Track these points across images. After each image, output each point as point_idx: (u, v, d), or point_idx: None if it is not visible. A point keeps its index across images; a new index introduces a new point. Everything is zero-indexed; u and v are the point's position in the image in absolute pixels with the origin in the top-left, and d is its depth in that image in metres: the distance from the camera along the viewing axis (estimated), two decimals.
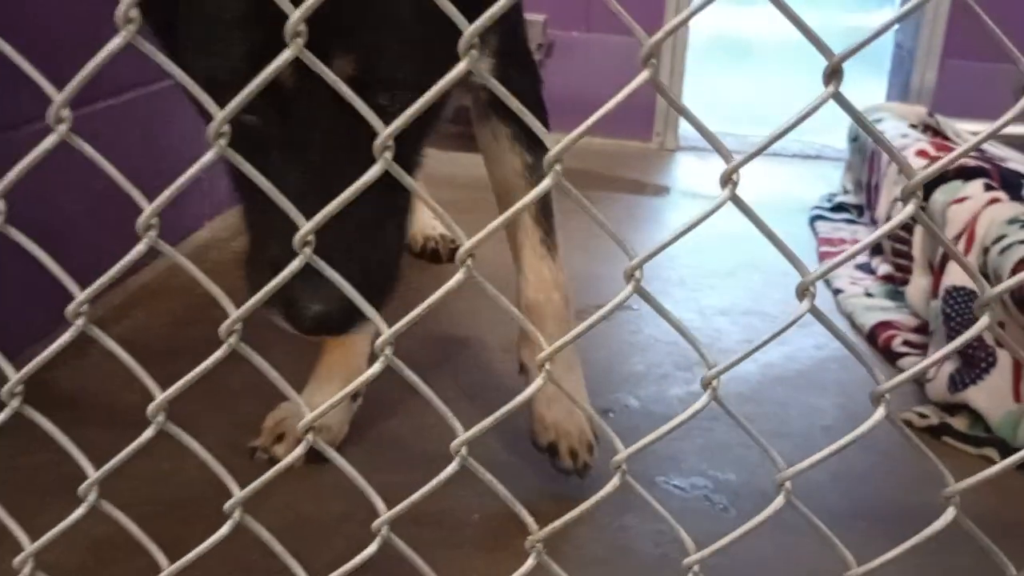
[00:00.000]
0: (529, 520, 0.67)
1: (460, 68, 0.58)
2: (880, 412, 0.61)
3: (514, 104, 0.60)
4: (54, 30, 1.82)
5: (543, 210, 1.58)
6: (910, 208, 0.58)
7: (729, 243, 2.72)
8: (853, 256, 0.58)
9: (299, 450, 0.68)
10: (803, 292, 0.60)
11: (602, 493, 0.65)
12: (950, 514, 0.62)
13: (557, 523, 0.67)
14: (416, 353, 1.78)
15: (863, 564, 0.69)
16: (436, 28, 1.01)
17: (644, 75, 0.57)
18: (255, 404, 1.63)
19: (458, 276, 0.62)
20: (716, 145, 0.58)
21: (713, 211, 0.59)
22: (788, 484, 0.64)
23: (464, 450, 0.65)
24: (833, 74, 0.56)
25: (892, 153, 0.59)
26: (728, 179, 0.59)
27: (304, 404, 0.71)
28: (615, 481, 0.64)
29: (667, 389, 1.89)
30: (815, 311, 0.60)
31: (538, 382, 0.63)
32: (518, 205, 0.62)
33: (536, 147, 1.57)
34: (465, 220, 1.88)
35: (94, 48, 0.61)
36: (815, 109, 0.57)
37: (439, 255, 2.47)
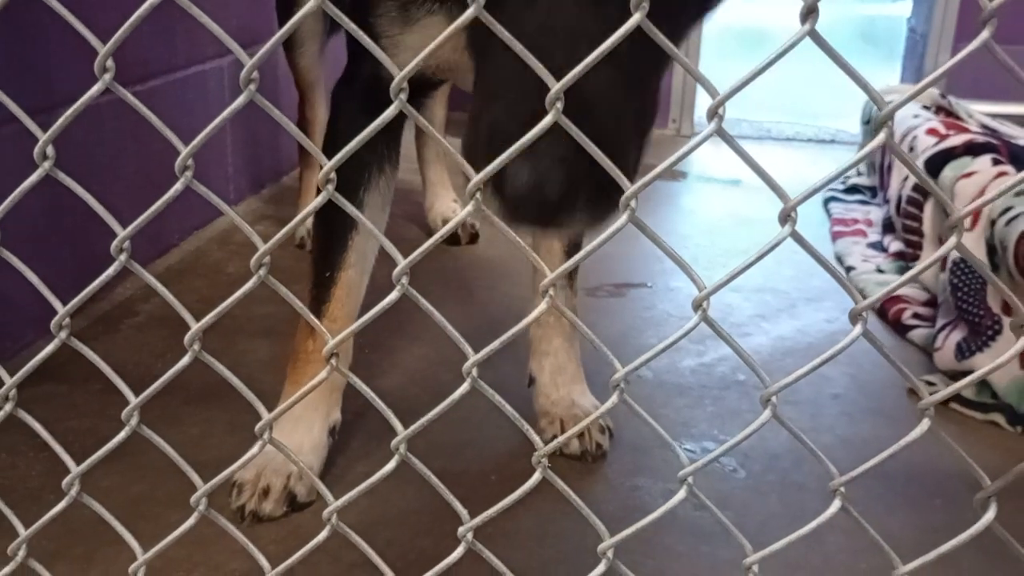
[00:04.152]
0: (535, 438, 0.72)
1: None
2: (857, 329, 0.66)
3: None
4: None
5: (575, 240, 1.59)
6: (882, 136, 0.63)
7: (742, 224, 2.78)
8: (834, 180, 0.63)
9: (323, 374, 0.73)
10: (785, 218, 0.65)
11: (602, 410, 0.70)
12: (925, 424, 0.67)
13: (561, 438, 0.73)
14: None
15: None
16: None
17: (637, 17, 0.62)
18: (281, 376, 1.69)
19: (468, 208, 0.67)
20: (700, 80, 0.63)
21: (701, 142, 0.64)
22: (774, 399, 0.69)
23: (475, 371, 0.70)
24: (809, 13, 0.61)
25: (865, 86, 0.64)
26: (714, 113, 0.64)
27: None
28: (613, 399, 0.69)
29: (679, 361, 1.94)
30: (796, 235, 0.65)
31: (542, 306, 0.68)
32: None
33: None
34: None
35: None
36: (792, 46, 0.62)
37: (457, 237, 2.53)
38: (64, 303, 0.81)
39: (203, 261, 2.33)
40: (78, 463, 0.87)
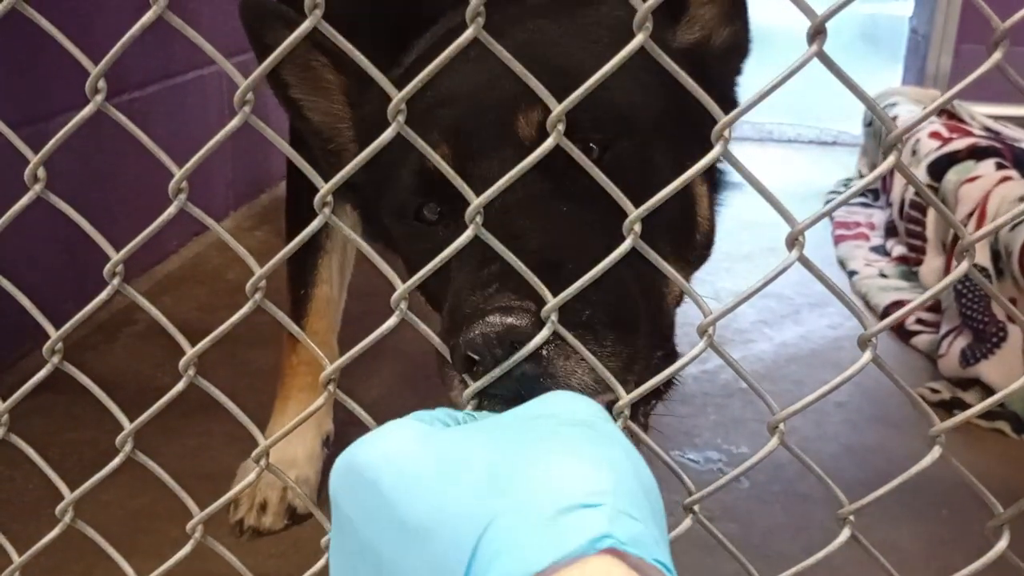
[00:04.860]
0: None
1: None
2: (867, 355, 0.64)
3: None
4: (91, 20, 1.88)
5: None
6: (891, 159, 0.61)
7: (746, 228, 2.74)
8: (841, 204, 0.62)
9: (320, 400, 0.72)
10: (792, 242, 0.63)
11: None
12: (936, 452, 0.66)
13: None
14: None
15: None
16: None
17: (640, 38, 0.61)
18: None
19: (468, 232, 0.66)
20: (705, 102, 0.62)
21: (706, 165, 0.63)
22: (782, 426, 0.67)
23: (475, 403, 0.69)
24: (816, 34, 0.60)
25: (874, 108, 0.62)
26: (719, 136, 0.62)
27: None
28: (618, 425, 0.68)
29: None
30: (803, 259, 0.63)
31: (544, 332, 0.67)
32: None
33: None
34: None
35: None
36: (800, 67, 0.60)
37: None
38: (63, 314, 0.79)
39: (203, 268, 2.31)
40: (77, 476, 0.86)
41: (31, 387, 0.80)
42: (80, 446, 1.56)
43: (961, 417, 0.67)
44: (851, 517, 0.68)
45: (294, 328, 0.72)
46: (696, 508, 0.70)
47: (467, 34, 0.62)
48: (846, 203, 2.87)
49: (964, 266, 0.62)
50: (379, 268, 0.69)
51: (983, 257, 1.87)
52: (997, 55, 0.59)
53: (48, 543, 0.87)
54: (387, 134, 0.65)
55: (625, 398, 0.67)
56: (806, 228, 0.63)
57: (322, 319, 1.45)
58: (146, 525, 1.37)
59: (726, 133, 0.62)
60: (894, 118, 2.77)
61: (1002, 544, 0.67)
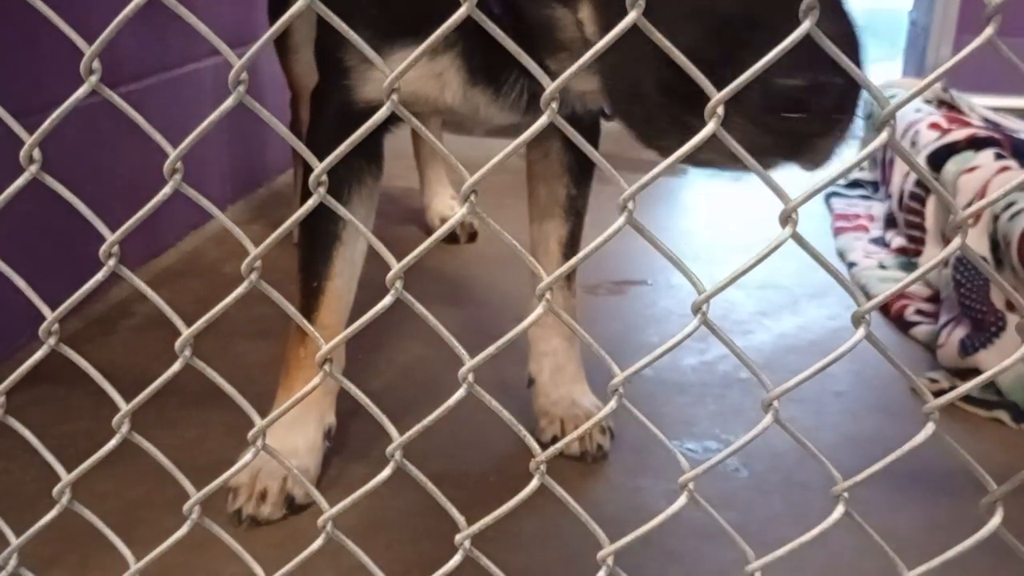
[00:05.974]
0: (533, 444, 0.71)
1: None
2: (860, 332, 0.64)
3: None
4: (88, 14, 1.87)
5: (571, 242, 1.62)
6: (884, 135, 0.61)
7: (744, 219, 2.76)
8: (838, 179, 0.62)
9: (316, 380, 0.72)
10: (785, 219, 0.64)
11: (600, 415, 0.68)
12: (929, 428, 0.66)
13: (559, 444, 0.72)
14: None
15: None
16: None
17: (632, 15, 0.61)
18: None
19: (463, 210, 0.66)
20: (699, 80, 0.62)
21: (699, 143, 0.63)
22: (776, 403, 0.67)
23: (471, 376, 0.69)
24: (810, 11, 0.60)
25: (865, 84, 0.62)
26: (712, 113, 0.62)
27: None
28: (612, 404, 0.68)
29: (680, 359, 1.92)
30: (797, 237, 0.64)
31: (538, 311, 0.67)
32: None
33: (583, 182, 1.60)
34: (505, 205, 1.89)
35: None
36: (792, 44, 0.60)
37: (456, 236, 2.51)
38: (56, 307, 0.79)
39: (200, 261, 2.32)
40: (74, 467, 0.86)
41: (27, 369, 0.81)
42: (77, 437, 1.56)
43: (957, 392, 0.67)
44: (845, 494, 0.68)
45: (290, 309, 0.72)
46: (691, 486, 0.70)
47: (461, 12, 0.62)
48: (845, 180, 2.88)
49: (956, 242, 0.62)
50: (375, 247, 0.69)
51: (982, 247, 1.87)
52: (989, 30, 0.59)
53: (44, 527, 0.87)
54: (382, 112, 0.65)
55: None
56: (798, 205, 0.63)
57: (334, 314, 1.44)
58: (143, 515, 1.37)
59: (719, 111, 0.62)
60: None
61: (995, 521, 0.67)
